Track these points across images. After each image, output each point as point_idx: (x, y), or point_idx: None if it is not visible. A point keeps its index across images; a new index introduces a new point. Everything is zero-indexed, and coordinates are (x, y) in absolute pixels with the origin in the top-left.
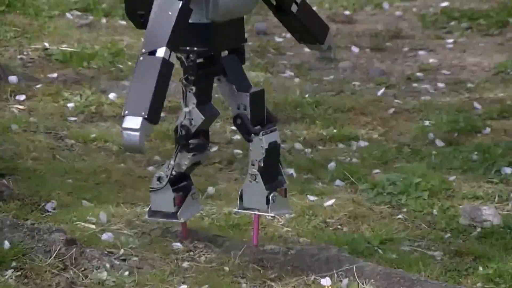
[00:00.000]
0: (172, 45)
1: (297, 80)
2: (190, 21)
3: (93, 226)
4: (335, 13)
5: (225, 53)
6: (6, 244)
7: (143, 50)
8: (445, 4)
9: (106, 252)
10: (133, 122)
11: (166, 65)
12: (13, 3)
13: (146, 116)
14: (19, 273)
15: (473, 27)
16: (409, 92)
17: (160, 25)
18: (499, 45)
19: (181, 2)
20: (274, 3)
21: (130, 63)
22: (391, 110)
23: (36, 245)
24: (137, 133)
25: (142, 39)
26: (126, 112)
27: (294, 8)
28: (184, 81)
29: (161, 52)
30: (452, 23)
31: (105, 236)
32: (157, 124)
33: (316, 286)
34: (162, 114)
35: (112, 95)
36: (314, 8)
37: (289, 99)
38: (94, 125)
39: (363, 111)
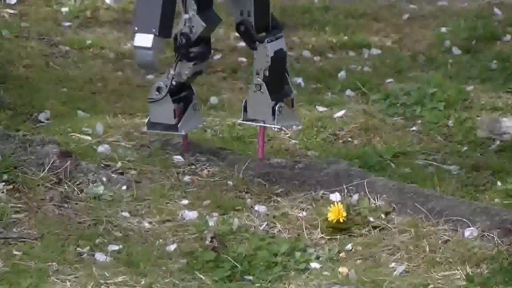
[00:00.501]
0: None
1: None
2: None
3: (88, 138)
4: None
5: None
6: None
7: None
8: None
9: (102, 165)
10: (144, 39)
11: None
12: None
13: (157, 33)
14: (10, 186)
15: None
16: None
17: None
18: None
19: None
20: None
21: None
22: (406, 16)
23: (28, 157)
24: (150, 52)
25: None
26: (136, 29)
27: None
28: None
29: None
30: None
31: (101, 148)
32: (169, 38)
33: (325, 201)
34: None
35: None
36: None
37: (298, 3)
38: (90, 31)
39: (375, 17)
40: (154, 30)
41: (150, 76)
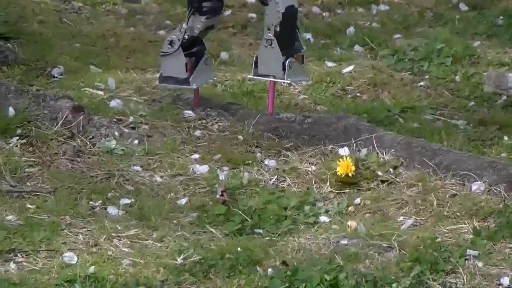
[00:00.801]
0: None
1: None
2: None
3: (101, 93)
4: None
5: None
6: (11, 110)
7: None
8: None
9: (114, 119)
10: None
11: None
12: None
13: None
14: (24, 140)
15: None
16: None
17: None
18: None
19: None
20: None
21: None
22: None
23: (42, 112)
24: None
25: None
26: None
27: None
28: None
29: None
30: None
31: (113, 103)
32: None
33: (334, 156)
34: None
35: None
36: None
37: None
38: None
39: None
40: None
41: (162, 31)
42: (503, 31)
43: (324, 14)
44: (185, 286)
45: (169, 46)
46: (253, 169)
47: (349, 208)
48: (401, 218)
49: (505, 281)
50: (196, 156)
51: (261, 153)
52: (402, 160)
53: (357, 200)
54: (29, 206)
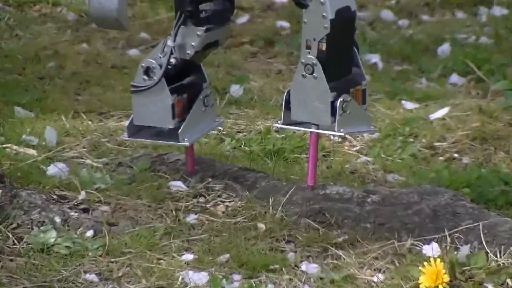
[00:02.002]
0: None
1: None
2: None
3: (33, 152)
4: None
5: None
6: None
7: None
8: None
9: (55, 196)
10: None
11: None
12: None
13: None
14: None
15: None
16: None
17: None
18: None
19: None
20: None
21: None
22: None
23: None
24: None
25: None
26: None
27: None
28: None
29: None
30: None
31: (53, 169)
32: None
33: (415, 257)
34: None
35: None
36: None
37: None
38: None
39: None
40: None
41: (133, 51)
42: None
43: (400, 22)
44: None
45: (146, 77)
46: (282, 279)
47: None
48: None
49: None
50: (188, 256)
51: (295, 251)
52: None
53: None
54: None
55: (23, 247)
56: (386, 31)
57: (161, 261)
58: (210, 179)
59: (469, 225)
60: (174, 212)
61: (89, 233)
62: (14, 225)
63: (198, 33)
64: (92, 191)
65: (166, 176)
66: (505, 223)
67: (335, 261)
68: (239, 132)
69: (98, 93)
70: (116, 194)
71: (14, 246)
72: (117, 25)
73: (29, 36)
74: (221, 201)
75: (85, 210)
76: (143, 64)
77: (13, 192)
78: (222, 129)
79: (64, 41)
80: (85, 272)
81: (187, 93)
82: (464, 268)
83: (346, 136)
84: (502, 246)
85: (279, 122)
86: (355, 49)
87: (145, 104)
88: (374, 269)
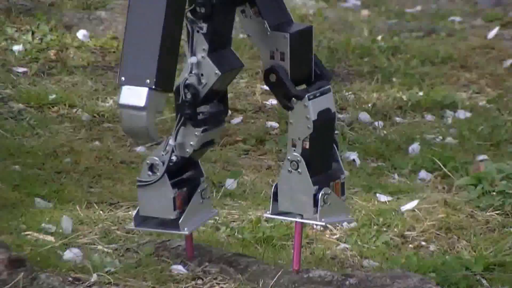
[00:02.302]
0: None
1: (365, 12)
2: None
3: (51, 239)
4: None
5: None
6: None
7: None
8: None
9: (70, 278)
10: (135, 95)
11: None
12: None
13: (153, 86)
14: None
15: None
16: None
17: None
18: None
19: None
20: None
21: None
22: (508, 63)
23: None
24: (143, 113)
25: None
26: (123, 79)
27: None
28: (190, 15)
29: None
30: None
31: (69, 254)
32: (171, 92)
33: None
34: None
35: (81, 33)
36: None
37: (353, 42)
38: (54, 81)
39: (465, 63)
40: (149, 81)
41: (140, 148)
42: None
43: (376, 123)
44: None
45: (150, 173)
46: None
47: None
48: None
49: None
50: None
51: None
52: None
53: None
54: None
55: None
56: (363, 131)
57: None
58: (207, 263)
59: None
60: None
61: None
62: None
63: (196, 133)
64: (103, 274)
65: (169, 261)
66: None
67: None
68: (233, 221)
69: (108, 186)
70: (124, 276)
71: None
72: (148, 138)
73: (48, 134)
74: (216, 283)
75: None
76: (147, 161)
77: (33, 275)
78: (218, 218)
79: (79, 139)
80: None
81: (186, 187)
82: None
83: (327, 225)
84: None
85: (268, 212)
86: (335, 147)
87: (150, 197)
88: None
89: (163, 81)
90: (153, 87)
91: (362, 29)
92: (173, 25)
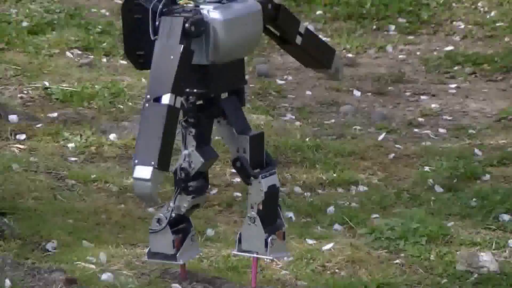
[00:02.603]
0: (176, 90)
1: (298, 123)
2: (193, 62)
3: (93, 266)
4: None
5: (225, 94)
6: (7, 283)
7: (148, 97)
8: (449, 48)
9: None
10: (143, 171)
11: (172, 111)
12: (12, 41)
13: (156, 166)
14: None
15: (476, 72)
16: (410, 138)
17: (163, 70)
18: (502, 91)
19: (182, 46)
20: (278, 34)
21: (130, 103)
22: (392, 155)
23: (36, 283)
24: (149, 183)
25: (143, 80)
26: (136, 161)
27: (298, 39)
28: (183, 123)
29: (166, 99)
30: (456, 67)
31: (104, 276)
32: (167, 171)
33: None
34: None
35: (112, 136)
36: None
37: (290, 142)
38: (95, 166)
39: (363, 156)
40: (153, 163)
41: (151, 209)
42: (476, 212)
43: (306, 193)
44: None
45: (157, 224)
46: None
47: None
48: None
49: None
50: None
51: None
52: None
53: None
54: None
55: None
56: (297, 199)
57: None
58: (195, 283)
59: None
60: None
61: None
62: None
63: (188, 199)
64: None
65: (170, 281)
66: None
67: None
68: (211, 256)
69: (130, 233)
70: None
71: None
72: (152, 201)
73: (91, 200)
74: None
75: None
76: (156, 216)
77: None
78: (202, 254)
79: (111, 203)
80: None
81: (181, 234)
82: None
83: (274, 259)
84: None
85: (235, 250)
86: (279, 208)
87: (157, 240)
88: None
89: (162, 164)
90: (156, 167)
91: (296, 134)
92: (170, 128)
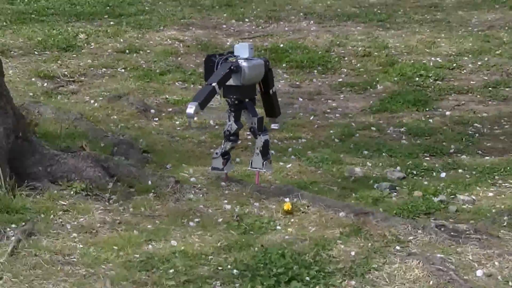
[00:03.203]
0: (219, 83)
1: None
2: (232, 83)
3: (187, 175)
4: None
5: (246, 99)
6: (149, 183)
7: (206, 82)
8: None
9: (193, 186)
10: (193, 105)
11: (213, 89)
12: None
13: (199, 103)
14: (154, 195)
15: None
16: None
17: (217, 73)
18: None
19: (227, 71)
20: (262, 87)
21: None
22: (316, 126)
23: (162, 182)
24: (193, 109)
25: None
26: (192, 101)
27: (271, 91)
28: (229, 109)
29: (214, 83)
30: None
31: (192, 179)
32: (203, 109)
33: None
34: (217, 127)
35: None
36: None
37: None
38: (189, 132)
39: (304, 125)
40: (198, 102)
41: (212, 150)
42: (352, 150)
43: (279, 143)
44: None
45: (215, 154)
46: None
47: None
48: None
49: None
50: (227, 203)
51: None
52: None
53: None
54: None
55: (184, 199)
56: (276, 146)
57: None
58: (230, 182)
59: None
60: (221, 188)
61: (200, 195)
62: (182, 193)
63: (229, 144)
64: (202, 184)
65: (220, 180)
66: None
67: None
68: (238, 170)
69: (203, 160)
70: (207, 184)
71: (183, 198)
72: (192, 119)
73: (186, 145)
74: (234, 187)
75: (199, 189)
76: (215, 151)
77: (181, 185)
78: (234, 169)
79: (197, 148)
80: None
81: (226, 159)
82: None
83: (266, 171)
84: None
85: (249, 167)
86: (268, 149)
87: (215, 161)
88: None
89: (201, 104)
90: (199, 103)
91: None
92: (210, 96)
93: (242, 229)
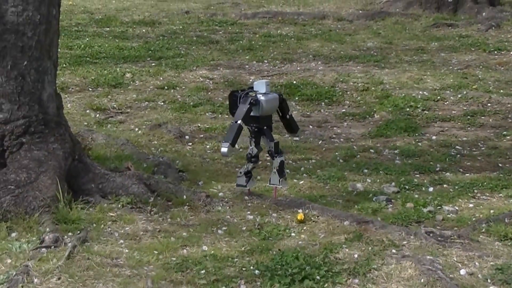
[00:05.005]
0: (243, 119)
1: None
2: (252, 114)
3: (216, 190)
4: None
5: (264, 127)
6: (184, 194)
7: (233, 120)
8: None
9: (221, 199)
10: (225, 145)
11: (240, 126)
12: None
13: (230, 143)
14: (188, 207)
15: None
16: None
17: (240, 111)
18: None
19: (248, 106)
20: (280, 113)
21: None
22: (324, 148)
23: (195, 196)
24: (226, 149)
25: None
26: (224, 141)
27: (288, 116)
28: (250, 136)
29: (239, 121)
30: None
31: (220, 194)
32: (234, 147)
33: None
34: (241, 150)
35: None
36: None
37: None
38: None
39: (314, 149)
40: (229, 142)
41: (237, 169)
42: (353, 168)
43: (296, 162)
44: None
45: (240, 173)
46: None
47: None
48: None
49: None
50: (249, 215)
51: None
52: None
53: None
54: None
55: (213, 210)
56: (290, 165)
57: None
58: (252, 196)
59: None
60: (245, 201)
61: (227, 205)
62: (211, 206)
63: (250, 165)
64: (228, 198)
65: (244, 194)
66: None
67: None
68: (258, 186)
69: (229, 178)
70: (233, 198)
71: (212, 211)
72: (227, 157)
73: (215, 166)
74: (253, 199)
75: (226, 202)
76: (240, 170)
77: (211, 198)
78: (256, 186)
79: (225, 168)
80: None
81: (248, 177)
82: None
83: (282, 187)
84: None
85: (268, 183)
86: (284, 169)
87: (239, 179)
88: None
89: (232, 143)
90: (230, 143)
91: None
92: (238, 132)
93: (263, 235)
